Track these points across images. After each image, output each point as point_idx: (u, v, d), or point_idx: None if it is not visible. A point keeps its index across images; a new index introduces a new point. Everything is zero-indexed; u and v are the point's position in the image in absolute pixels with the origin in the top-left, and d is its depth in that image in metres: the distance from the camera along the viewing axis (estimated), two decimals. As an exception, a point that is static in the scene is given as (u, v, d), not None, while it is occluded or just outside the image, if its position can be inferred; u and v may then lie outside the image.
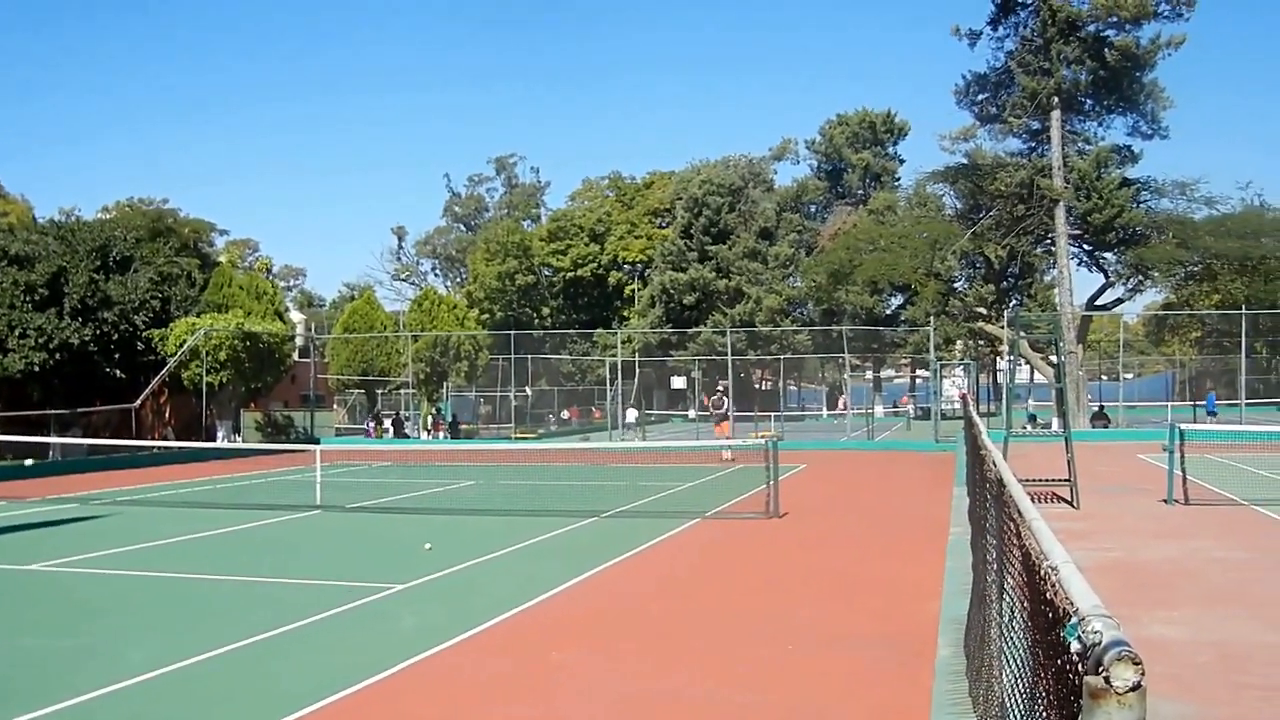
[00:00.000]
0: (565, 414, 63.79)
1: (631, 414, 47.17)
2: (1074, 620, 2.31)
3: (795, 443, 35.60)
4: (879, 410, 63.21)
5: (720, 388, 35.25)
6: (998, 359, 64.27)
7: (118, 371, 38.93)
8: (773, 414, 53.49)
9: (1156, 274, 45.46)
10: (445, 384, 50.67)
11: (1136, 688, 2.01)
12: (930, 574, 11.64)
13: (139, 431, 37.61)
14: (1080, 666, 2.15)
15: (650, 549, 14.30)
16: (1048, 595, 2.85)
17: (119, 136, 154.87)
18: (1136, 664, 2.01)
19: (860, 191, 77.69)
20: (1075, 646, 2.22)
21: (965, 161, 48.56)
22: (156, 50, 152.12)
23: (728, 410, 32.60)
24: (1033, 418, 43.42)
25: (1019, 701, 3.81)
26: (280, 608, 10.41)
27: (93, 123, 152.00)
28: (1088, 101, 45.75)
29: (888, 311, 70.42)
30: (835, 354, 60.10)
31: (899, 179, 77.02)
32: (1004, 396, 30.16)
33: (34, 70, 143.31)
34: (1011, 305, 55.74)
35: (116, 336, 38.47)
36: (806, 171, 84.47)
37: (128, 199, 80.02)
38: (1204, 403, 47.74)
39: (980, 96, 47.10)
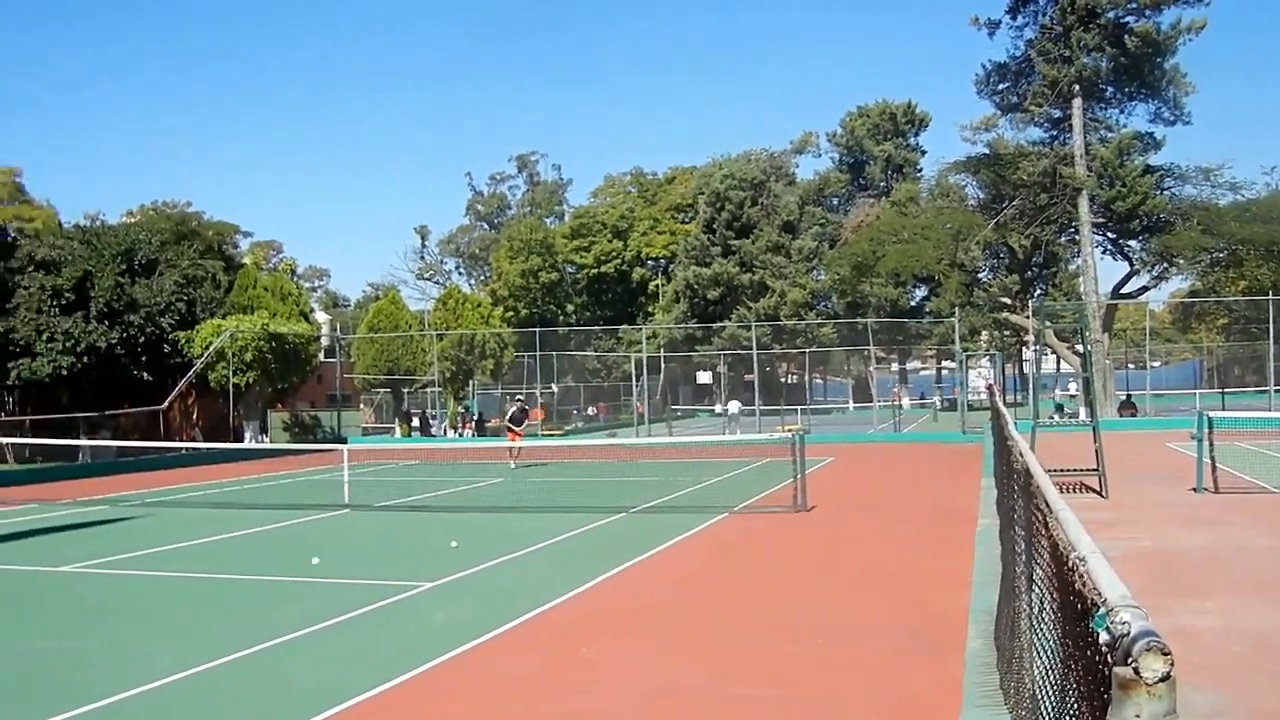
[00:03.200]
0: (592, 410, 63.84)
1: (734, 405, 47.01)
2: (1102, 611, 2.30)
3: (822, 435, 35.63)
4: (905, 402, 63.02)
5: (519, 399, 34.90)
6: (1024, 349, 63.96)
7: (145, 374, 39.22)
8: (799, 407, 53.41)
9: (1182, 261, 45.16)
10: (471, 382, 50.82)
11: (1166, 678, 2.01)
12: (959, 565, 11.59)
13: (167, 433, 37.93)
14: (1109, 657, 2.15)
15: (679, 544, 14.30)
16: (1076, 586, 2.84)
17: (142, 140, 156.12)
18: (1166, 654, 2.01)
19: (882, 183, 77.63)
20: (1104, 637, 2.21)
21: (987, 151, 48.45)
22: (178, 53, 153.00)
23: (515, 417, 32.13)
24: (1060, 407, 43.21)
25: (1050, 693, 3.80)
26: (309, 607, 10.46)
27: (116, 127, 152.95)
28: (1109, 89, 45.53)
29: (912, 303, 70.36)
30: (860, 346, 59.94)
31: (921, 170, 77.02)
32: (1031, 386, 30.05)
33: (56, 74, 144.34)
34: (1036, 295, 55.62)
35: (143, 339, 38.76)
36: (828, 164, 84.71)
37: (151, 203, 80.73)
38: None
39: (1001, 86, 47.01)
